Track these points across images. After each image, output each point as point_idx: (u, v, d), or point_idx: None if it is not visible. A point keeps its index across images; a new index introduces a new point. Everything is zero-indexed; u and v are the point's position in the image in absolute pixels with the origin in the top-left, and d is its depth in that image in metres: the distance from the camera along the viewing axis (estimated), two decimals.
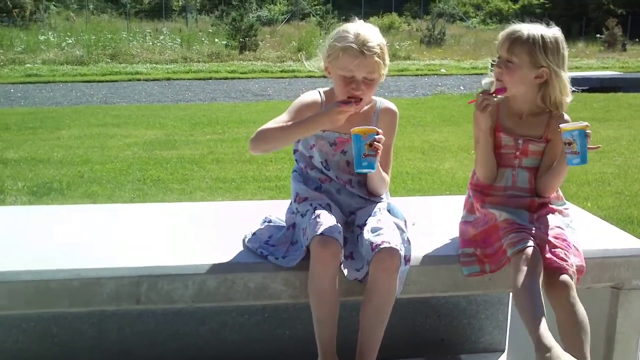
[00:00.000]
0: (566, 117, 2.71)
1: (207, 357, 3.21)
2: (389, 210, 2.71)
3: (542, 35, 2.57)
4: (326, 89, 2.77)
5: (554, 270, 2.42)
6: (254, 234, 2.73)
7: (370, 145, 2.45)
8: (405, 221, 2.69)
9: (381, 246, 2.38)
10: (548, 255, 2.45)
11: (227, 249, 2.63)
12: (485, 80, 2.78)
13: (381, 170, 2.66)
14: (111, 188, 6.67)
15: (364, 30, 2.58)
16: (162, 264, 2.45)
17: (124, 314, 3.12)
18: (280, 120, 2.64)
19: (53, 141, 9.34)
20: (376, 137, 2.46)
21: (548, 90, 2.65)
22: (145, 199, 6.22)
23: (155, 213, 3.21)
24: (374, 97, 2.76)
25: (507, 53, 2.59)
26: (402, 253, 2.43)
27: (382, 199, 2.76)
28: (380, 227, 2.49)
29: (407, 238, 2.57)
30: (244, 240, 2.72)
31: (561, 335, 2.41)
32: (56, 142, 9.24)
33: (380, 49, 2.57)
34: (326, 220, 2.49)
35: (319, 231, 2.40)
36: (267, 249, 2.60)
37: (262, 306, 3.18)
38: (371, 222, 2.54)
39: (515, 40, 2.56)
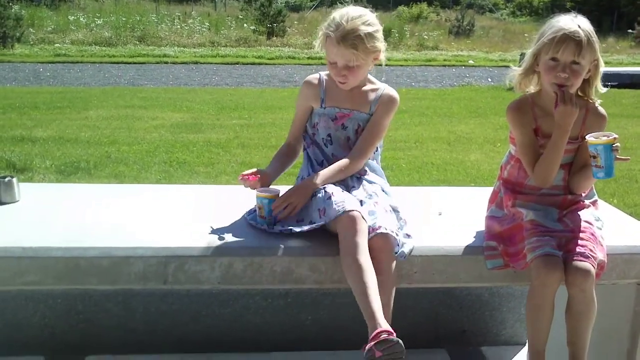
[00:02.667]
0: (602, 111, 2.66)
1: (229, 339, 3.24)
2: (384, 191, 2.82)
3: (591, 29, 2.52)
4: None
5: (575, 259, 2.42)
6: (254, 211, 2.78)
7: (260, 208, 2.67)
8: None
9: (378, 231, 2.48)
10: (576, 245, 2.45)
11: (255, 233, 2.65)
12: (511, 74, 2.72)
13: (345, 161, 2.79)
14: (137, 169, 6.72)
15: (349, 17, 2.68)
16: (190, 245, 2.48)
17: (149, 293, 3.16)
18: (295, 119, 2.98)
19: (81, 121, 9.43)
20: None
21: (589, 81, 2.61)
22: (171, 181, 6.26)
23: (183, 195, 3.24)
24: (379, 83, 2.90)
25: (574, 56, 2.48)
26: (399, 237, 2.54)
27: (375, 181, 2.86)
28: (376, 211, 2.58)
29: (403, 218, 2.72)
30: (246, 219, 2.78)
31: (567, 319, 2.47)
32: (84, 122, 9.32)
33: (361, 38, 2.66)
34: (346, 198, 2.58)
35: (348, 208, 2.47)
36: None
37: (285, 291, 3.20)
38: (368, 205, 2.63)
39: (580, 42, 2.46)
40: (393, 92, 2.91)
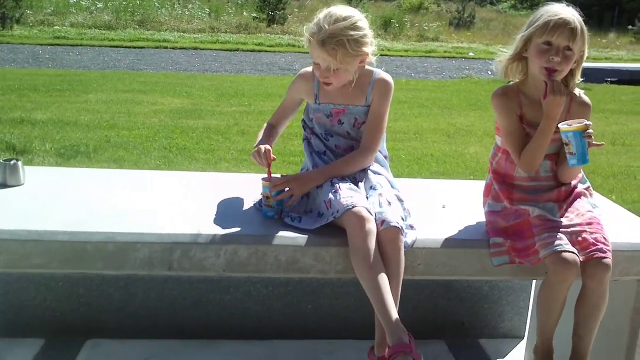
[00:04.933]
0: (586, 99, 2.68)
1: (229, 326, 3.26)
2: (389, 181, 2.82)
3: (581, 20, 2.56)
4: None
5: (597, 256, 2.43)
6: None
7: (267, 197, 2.66)
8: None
9: (390, 224, 2.45)
10: (590, 239, 2.47)
11: (260, 221, 2.66)
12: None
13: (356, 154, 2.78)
14: (137, 154, 6.72)
15: (332, 20, 2.60)
16: (196, 231, 2.48)
17: (151, 279, 3.17)
18: (282, 106, 3.01)
19: (80, 104, 9.42)
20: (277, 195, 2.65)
21: (573, 71, 2.63)
22: (171, 167, 6.27)
23: (186, 181, 3.23)
24: (371, 69, 2.82)
25: (568, 41, 2.50)
26: (404, 226, 2.52)
27: (380, 172, 2.84)
28: (383, 202, 2.57)
29: (407, 208, 2.69)
30: (258, 209, 2.78)
31: (578, 311, 2.51)
32: (83, 106, 9.32)
33: (342, 43, 2.58)
34: (354, 194, 2.57)
35: (354, 203, 2.47)
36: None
37: (286, 279, 3.21)
38: (375, 197, 2.62)
39: (574, 29, 2.50)
40: (386, 76, 2.83)
